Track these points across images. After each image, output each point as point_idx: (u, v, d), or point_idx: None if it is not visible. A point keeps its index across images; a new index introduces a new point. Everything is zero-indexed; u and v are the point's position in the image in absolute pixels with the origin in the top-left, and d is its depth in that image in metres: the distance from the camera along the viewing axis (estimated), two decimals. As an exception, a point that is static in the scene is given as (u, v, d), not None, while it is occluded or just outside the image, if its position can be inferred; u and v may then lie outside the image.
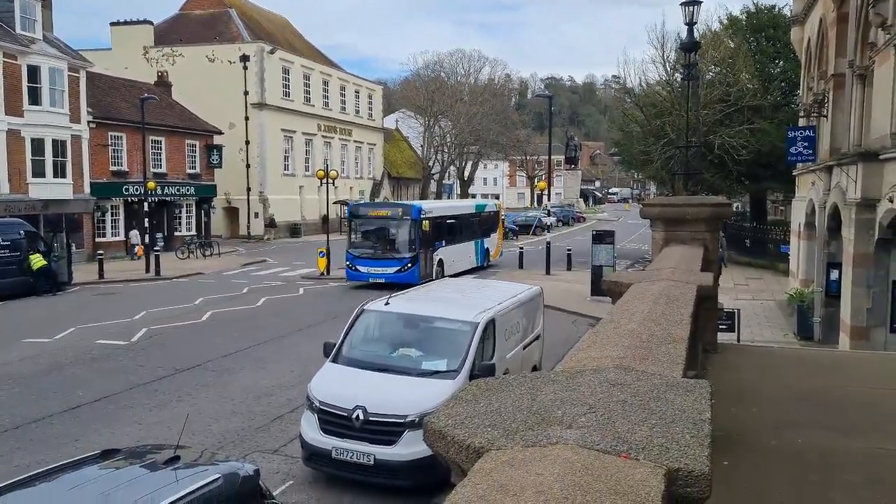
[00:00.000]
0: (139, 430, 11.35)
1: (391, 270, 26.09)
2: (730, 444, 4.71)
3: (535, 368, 12.91)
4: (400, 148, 75.21)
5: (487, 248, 33.93)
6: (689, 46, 15.85)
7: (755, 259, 34.68)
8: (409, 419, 8.80)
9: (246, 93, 48.24)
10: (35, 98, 31.93)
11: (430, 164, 71.52)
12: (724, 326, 13.77)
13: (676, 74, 33.29)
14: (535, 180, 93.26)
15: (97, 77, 37.89)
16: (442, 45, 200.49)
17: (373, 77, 75.55)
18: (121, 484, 5.55)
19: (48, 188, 32.37)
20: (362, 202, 37.06)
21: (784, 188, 38.58)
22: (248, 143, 48.66)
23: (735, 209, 42.23)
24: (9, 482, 5.62)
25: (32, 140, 31.84)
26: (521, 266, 33.23)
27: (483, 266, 32.65)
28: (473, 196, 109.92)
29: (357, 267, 26.66)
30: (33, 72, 31.86)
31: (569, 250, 34.50)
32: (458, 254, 30.11)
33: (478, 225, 33.36)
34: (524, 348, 12.45)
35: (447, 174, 78.10)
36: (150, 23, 52.53)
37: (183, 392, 13.54)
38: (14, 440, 11.06)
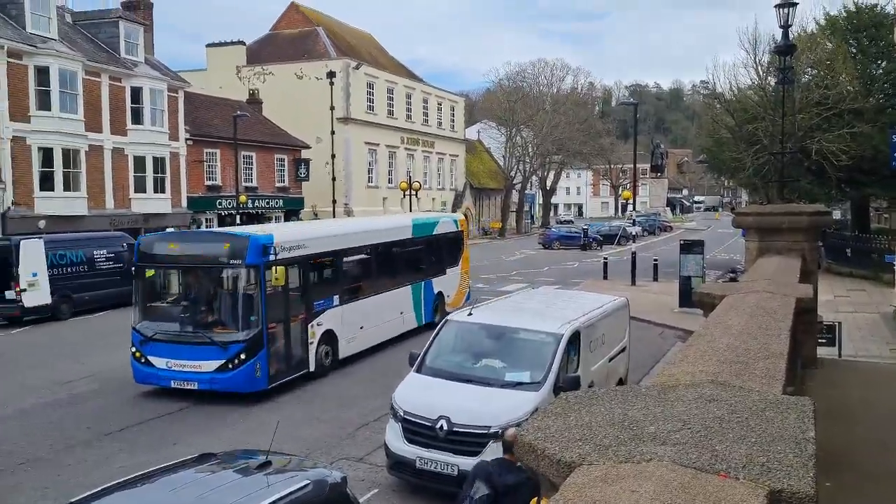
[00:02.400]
0: (231, 434, 11.73)
1: (208, 367, 13.59)
2: (832, 464, 4.47)
3: (620, 382, 12.64)
4: (482, 159, 75.41)
5: (439, 294, 21.31)
6: (784, 50, 15.24)
7: (857, 269, 32.90)
8: (492, 430, 8.77)
9: (332, 108, 49.46)
10: (137, 118, 33.75)
11: (512, 174, 71.35)
12: (824, 341, 13.12)
13: (770, 78, 32.07)
14: (620, 189, 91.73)
15: (194, 96, 39.67)
16: (524, 56, 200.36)
17: (455, 89, 76.16)
18: (216, 487, 5.73)
19: (149, 203, 34.10)
20: (161, 232, 19.46)
21: (888, 195, 36.53)
22: (333, 156, 49.83)
23: (835, 217, 40.18)
24: (113, 483, 5.90)
25: (135, 157, 33.64)
26: (605, 277, 32.65)
27: (433, 324, 18.54)
28: (554, 207, 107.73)
29: (148, 358, 14.04)
30: (136, 93, 33.70)
31: (655, 260, 33.64)
32: (371, 314, 17.54)
33: (422, 255, 21.00)
34: (609, 361, 12.21)
35: (529, 184, 77.70)
36: (243, 43, 54.66)
37: (271, 400, 13.94)
38: (120, 441, 11.64)
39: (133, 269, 15.43)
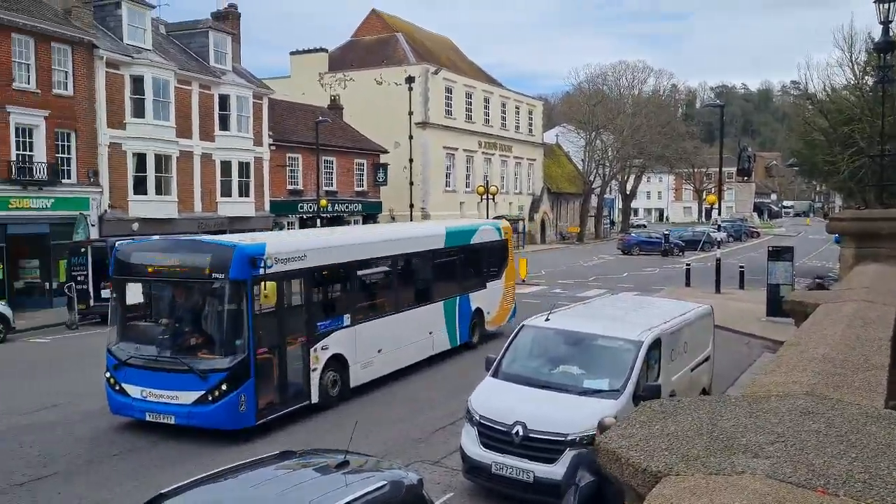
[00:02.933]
0: (307, 436, 11.96)
1: (186, 398, 11.61)
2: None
3: (703, 392, 12.24)
4: (560, 163, 74.69)
5: (477, 311, 18.92)
6: (884, 47, 14.47)
7: (962, 279, 30.92)
8: (569, 438, 8.63)
9: (411, 113, 49.98)
10: (224, 124, 34.99)
11: (591, 178, 70.36)
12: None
13: (867, 78, 30.51)
14: (704, 194, 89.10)
15: (277, 103, 40.82)
16: (604, 58, 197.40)
17: (533, 93, 75.72)
18: (295, 484, 5.84)
19: (234, 206, 35.25)
20: (139, 240, 15.15)
21: None
22: (411, 160, 50.33)
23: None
24: (200, 476, 6.09)
25: (222, 162, 34.88)
26: (687, 284, 31.74)
27: (470, 344, 18.36)
28: (634, 211, 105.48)
29: (122, 385, 12.16)
30: (224, 100, 34.95)
31: (741, 267, 32.46)
32: (392, 335, 15.30)
33: (456, 268, 18.54)
34: (692, 370, 11.85)
35: (609, 188, 76.46)
36: (325, 50, 55.94)
37: (352, 400, 14.16)
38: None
39: (112, 279, 13.00)
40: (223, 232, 32.82)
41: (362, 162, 46.20)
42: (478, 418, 9.30)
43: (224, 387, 11.44)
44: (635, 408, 3.02)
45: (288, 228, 37.93)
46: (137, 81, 30.26)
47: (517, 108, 64.43)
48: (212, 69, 35.00)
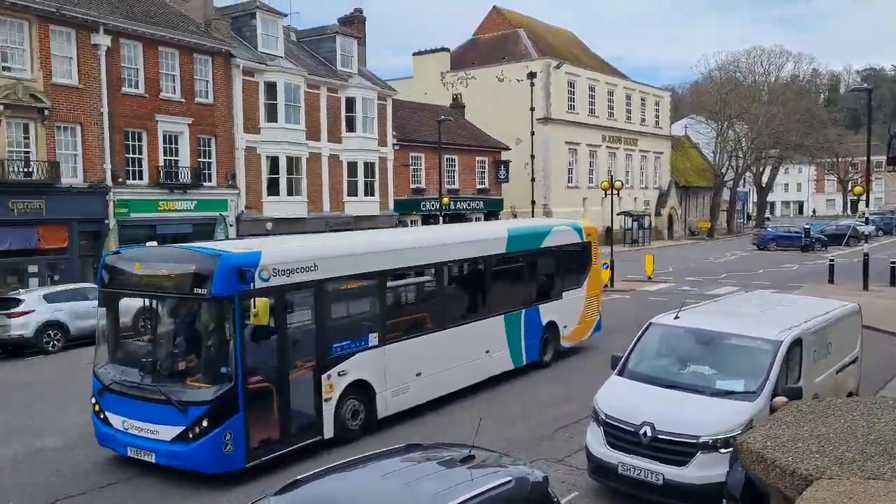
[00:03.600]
0: (424, 429, 12.12)
1: (166, 433, 10.00)
2: None
3: (850, 396, 11.39)
4: (688, 155, 71.84)
5: (550, 325, 16.56)
6: None
7: None
8: (701, 440, 8.27)
9: (532, 108, 49.66)
10: (351, 126, 36.14)
11: (723, 170, 67.17)
12: None
13: None
14: (850, 185, 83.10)
15: (400, 103, 41.70)
16: (736, 44, 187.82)
17: (659, 84, 73.31)
18: (422, 476, 5.92)
19: (360, 205, 36.33)
20: (127, 248, 12.99)
21: None
22: (533, 157, 50.00)
23: None
24: (331, 465, 6.30)
25: (348, 163, 36.05)
26: (830, 281, 29.67)
27: (540, 363, 16.18)
28: (770, 205, 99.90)
29: (106, 413, 10.70)
30: (350, 103, 36.11)
31: (893, 263, 30.00)
32: (434, 356, 13.22)
33: (522, 275, 16.24)
34: (837, 372, 11.05)
35: (742, 181, 72.74)
36: (447, 50, 56.58)
37: (478, 395, 14.24)
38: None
39: (100, 288, 11.28)
40: (350, 230, 33.99)
41: (484, 159, 46.40)
42: (603, 417, 9.08)
43: (205, 423, 9.60)
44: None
45: (411, 226, 38.67)
46: (271, 87, 31.80)
47: (643, 99, 62.57)
48: (339, 73, 36.25)
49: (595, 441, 9.14)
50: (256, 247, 10.80)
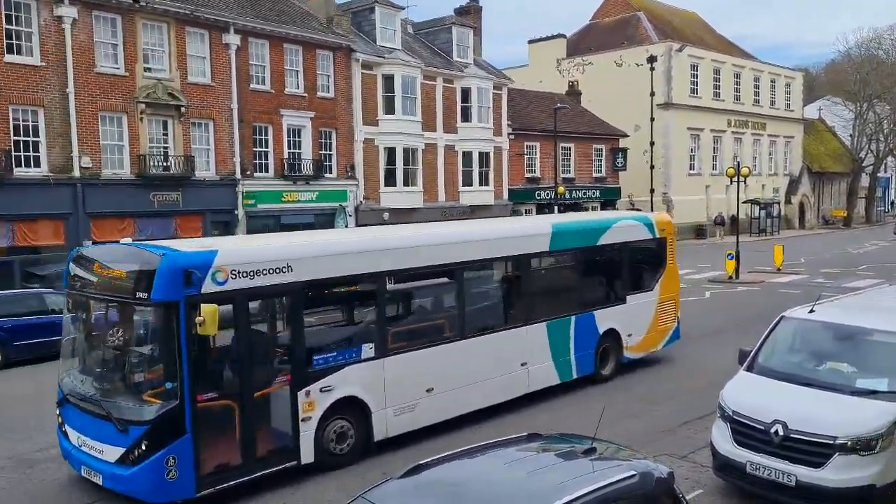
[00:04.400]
0: (549, 420, 12.03)
1: (110, 454, 8.72)
2: None
3: None
4: (823, 139, 67.45)
5: (609, 333, 14.45)
6: None
7: None
8: (838, 442, 7.76)
9: (652, 94, 48.11)
10: (466, 116, 36.32)
11: (862, 155, 62.61)
12: None
13: None
14: None
15: (516, 92, 41.48)
16: (878, 19, 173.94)
17: (791, 64, 69.09)
18: (543, 466, 5.88)
19: (474, 195, 36.47)
20: (88, 245, 13.72)
21: None
22: (652, 144, 48.48)
23: None
24: (455, 451, 6.38)
25: (463, 153, 36.26)
26: None
27: (596, 377, 14.20)
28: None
29: (66, 425, 9.64)
30: (465, 93, 36.28)
31: None
32: (451, 369, 11.53)
33: (571, 276, 14.40)
34: None
35: (883, 166, 67.55)
36: (564, 36, 55.75)
37: (597, 388, 14.03)
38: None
39: (67, 289, 10.10)
40: (464, 220, 34.19)
41: (601, 147, 45.47)
42: (730, 413, 8.70)
43: (145, 445, 8.42)
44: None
45: (525, 215, 38.46)
46: (388, 80, 32.44)
47: (772, 81, 59.27)
48: (454, 63, 36.49)
49: (721, 438, 8.77)
50: (217, 245, 9.36)
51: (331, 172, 30.94)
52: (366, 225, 29.24)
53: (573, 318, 13.72)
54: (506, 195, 38.77)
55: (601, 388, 13.94)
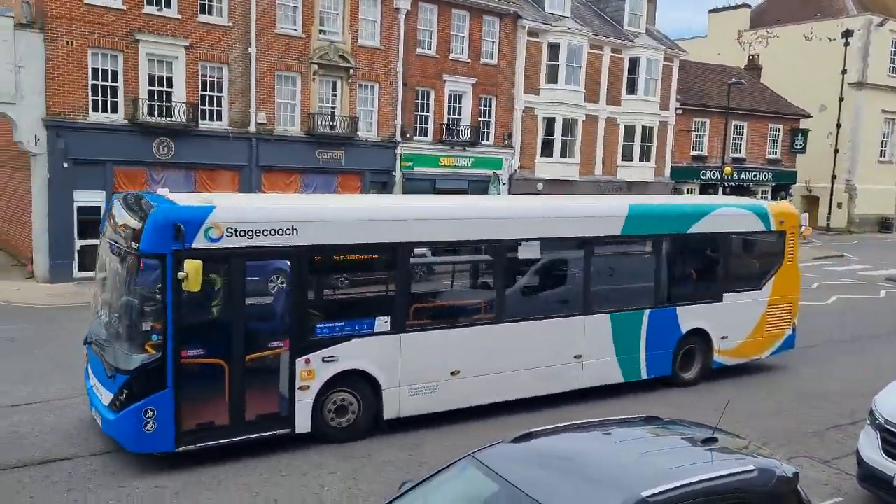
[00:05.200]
0: (667, 407, 11.61)
1: (105, 398, 9.04)
2: None
3: None
4: None
5: (696, 333, 13.07)
6: None
7: None
8: None
9: (844, 71, 44.03)
10: (632, 88, 35.04)
11: None
12: None
13: None
14: None
15: (688, 65, 39.44)
16: None
17: None
18: (658, 450, 5.73)
19: (633, 171, 35.30)
20: (118, 193, 11.98)
21: None
22: (839, 126, 44.50)
23: None
24: (567, 423, 6.36)
25: (625, 127, 35.11)
26: None
27: (674, 380, 12.92)
28: None
29: (87, 365, 10.25)
30: (633, 64, 34.97)
31: None
32: (479, 355, 10.85)
33: (648, 266, 13.16)
34: None
35: None
36: (748, 6, 52.13)
37: (732, 380, 13.34)
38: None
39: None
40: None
41: (777, 127, 42.34)
42: (882, 422, 7.98)
43: (125, 393, 8.60)
44: None
45: (687, 194, 36.78)
46: (554, 48, 31.94)
47: None
48: (624, 33, 35.24)
49: (869, 447, 8.09)
50: (211, 201, 9.21)
51: (487, 140, 31.11)
52: (519, 194, 29.23)
53: (646, 312, 12.44)
54: (667, 172, 37.22)
55: (701, 391, 13.22)
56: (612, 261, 12.84)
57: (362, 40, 26.95)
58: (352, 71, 26.57)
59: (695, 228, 12.92)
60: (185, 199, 9.43)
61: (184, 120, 23.10)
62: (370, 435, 10.05)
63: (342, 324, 9.80)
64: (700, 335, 13.05)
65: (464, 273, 12.22)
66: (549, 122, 32.40)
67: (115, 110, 22.27)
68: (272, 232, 9.09)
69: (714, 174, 38.23)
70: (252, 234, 8.96)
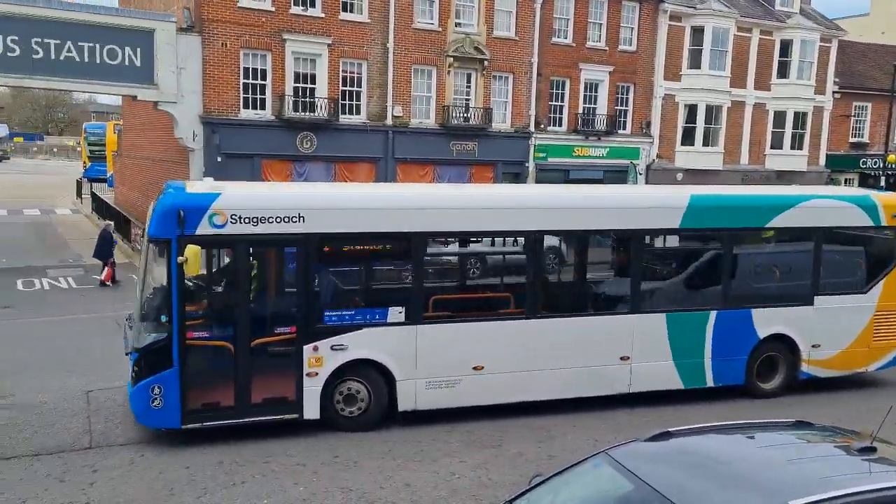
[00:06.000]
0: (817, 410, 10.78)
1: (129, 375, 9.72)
2: None
3: None
4: None
5: (776, 339, 11.72)
6: None
7: None
8: None
9: None
10: (783, 72, 32.87)
11: None
12: None
13: None
14: None
15: (848, 45, 36.48)
16: None
17: None
18: (809, 457, 5.37)
19: (783, 160, 33.14)
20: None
21: None
22: None
23: None
24: (708, 424, 6.08)
25: (775, 113, 32.99)
26: None
27: (747, 389, 11.67)
28: None
29: None
30: (785, 46, 32.78)
31: None
32: (506, 351, 10.36)
33: (716, 262, 11.71)
34: None
35: None
36: (917, -21, 47.55)
37: (882, 385, 12.25)
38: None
39: None
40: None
41: (953, 111, 38.34)
42: None
43: (136, 370, 9.15)
44: None
45: (846, 185, 34.11)
46: (697, 32, 30.55)
47: None
48: (776, 13, 33.10)
49: None
50: (225, 188, 9.50)
51: (624, 129, 30.25)
52: (657, 184, 28.24)
53: (713, 313, 11.31)
54: (822, 161, 34.68)
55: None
56: (670, 257, 12.09)
57: (497, 31, 26.94)
58: (486, 62, 26.64)
59: (776, 222, 11.62)
60: (198, 186, 9.74)
61: (325, 115, 24.07)
62: (476, 418, 10.13)
63: (352, 312, 9.79)
64: (783, 342, 11.74)
65: (489, 265, 11.88)
66: (691, 110, 31.04)
67: (262, 107, 23.56)
68: (278, 219, 9.17)
69: (875, 162, 35.20)
70: (257, 222, 9.09)
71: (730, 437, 5.83)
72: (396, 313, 9.86)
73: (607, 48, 29.15)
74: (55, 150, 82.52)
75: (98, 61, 20.95)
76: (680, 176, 30.50)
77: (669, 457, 5.34)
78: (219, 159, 22.73)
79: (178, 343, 8.86)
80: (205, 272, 9.96)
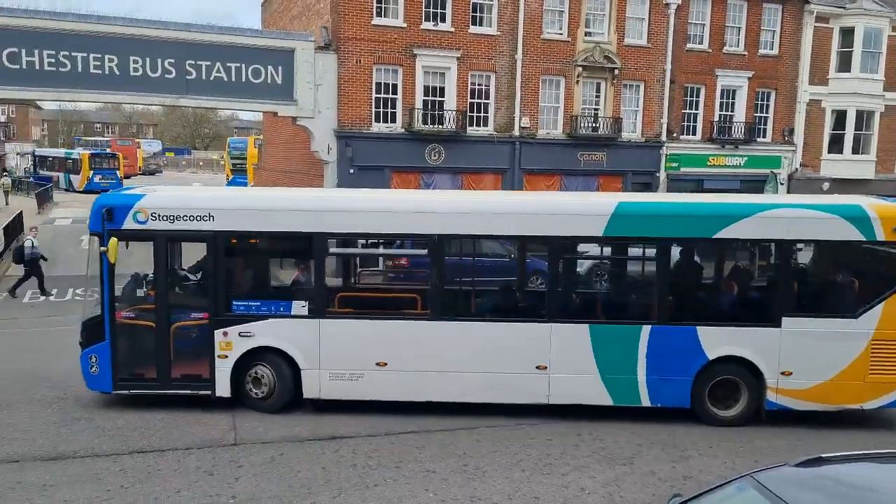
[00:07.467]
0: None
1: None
2: None
3: None
4: None
5: (731, 361, 10.52)
6: None
7: None
8: None
9: None
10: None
11: None
12: None
13: None
14: None
15: None
16: None
17: None
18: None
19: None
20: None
21: None
22: None
23: None
24: (869, 451, 5.71)
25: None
26: None
27: (703, 416, 10.60)
28: None
29: None
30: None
31: None
32: (411, 350, 10.60)
33: (662, 275, 10.70)
34: None
35: None
36: None
37: None
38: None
39: None
40: None
41: None
42: None
43: (80, 340, 11.01)
44: None
45: None
46: (847, 34, 28.56)
47: None
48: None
49: None
50: (152, 191, 11.09)
51: (764, 136, 28.73)
52: (800, 194, 26.57)
53: (646, 328, 10.53)
54: (921, 169, 31.47)
55: None
56: (595, 267, 11.75)
57: (629, 39, 26.40)
58: (616, 71, 26.15)
59: (725, 233, 10.48)
60: (133, 190, 11.36)
61: (454, 127, 24.43)
62: (608, 432, 9.95)
63: (258, 304, 10.80)
64: (742, 365, 10.56)
65: (396, 267, 12.71)
66: (840, 116, 29.06)
67: (393, 120, 24.23)
68: (191, 218, 10.55)
69: None
70: (174, 219, 10.54)
71: (887, 465, 5.46)
72: (300, 307, 10.76)
73: (746, 53, 27.85)
74: (201, 163, 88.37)
75: (244, 80, 22.32)
76: (826, 185, 28.59)
77: (820, 483, 5.03)
78: (351, 171, 23.56)
79: (108, 321, 10.58)
80: (133, 261, 11.24)
